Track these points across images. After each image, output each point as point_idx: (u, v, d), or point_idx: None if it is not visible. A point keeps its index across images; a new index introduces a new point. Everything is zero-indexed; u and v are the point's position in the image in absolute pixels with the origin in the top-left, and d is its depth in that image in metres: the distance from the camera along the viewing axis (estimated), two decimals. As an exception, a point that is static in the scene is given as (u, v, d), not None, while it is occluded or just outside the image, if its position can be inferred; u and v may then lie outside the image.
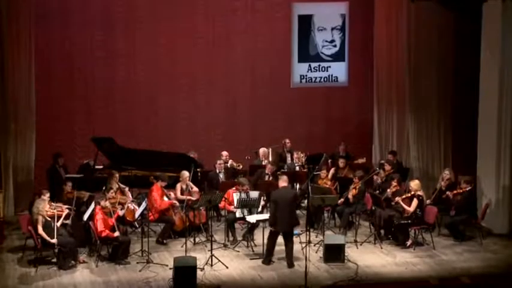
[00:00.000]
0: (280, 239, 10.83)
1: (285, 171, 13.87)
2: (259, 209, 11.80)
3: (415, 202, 11.57)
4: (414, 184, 11.73)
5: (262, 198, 11.87)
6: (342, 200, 12.40)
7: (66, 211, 10.88)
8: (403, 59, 14.85)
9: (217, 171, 13.38)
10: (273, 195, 10.81)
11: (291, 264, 10.71)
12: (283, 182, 10.93)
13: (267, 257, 10.80)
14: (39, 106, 14.00)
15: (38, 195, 11.14)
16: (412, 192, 11.64)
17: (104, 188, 11.81)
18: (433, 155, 14.81)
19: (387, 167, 13.23)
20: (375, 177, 12.92)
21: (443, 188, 12.37)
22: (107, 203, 10.91)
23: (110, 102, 15.15)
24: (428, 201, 12.18)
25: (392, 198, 11.89)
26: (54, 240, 10.40)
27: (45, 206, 10.55)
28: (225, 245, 11.62)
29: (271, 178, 13.08)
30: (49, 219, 10.56)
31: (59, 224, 10.60)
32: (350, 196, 12.30)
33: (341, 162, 13.88)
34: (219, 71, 15.65)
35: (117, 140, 13.24)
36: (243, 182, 11.95)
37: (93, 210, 11.11)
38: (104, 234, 10.66)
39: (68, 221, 11.02)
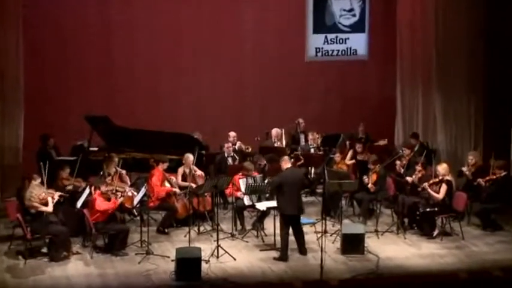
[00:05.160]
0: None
1: (299, 153, 13.84)
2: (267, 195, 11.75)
3: (443, 188, 11.49)
4: (442, 168, 11.65)
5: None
6: (366, 179, 12.20)
7: (57, 198, 10.82)
8: (430, 30, 14.72)
9: (226, 154, 13.31)
10: (279, 177, 10.75)
11: (304, 251, 10.71)
12: (286, 163, 10.89)
13: (285, 251, 10.64)
14: (28, 82, 13.95)
15: (28, 180, 11.07)
16: (440, 177, 11.56)
17: (101, 173, 11.76)
18: (462, 137, 14.75)
19: (406, 152, 13.17)
20: (396, 167, 12.82)
21: (470, 176, 12.27)
22: (109, 189, 10.90)
23: (107, 77, 15.17)
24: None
25: (418, 184, 11.81)
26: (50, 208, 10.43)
27: (39, 193, 10.50)
28: (232, 235, 11.60)
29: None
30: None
31: (50, 209, 10.55)
32: (370, 185, 12.20)
33: (358, 147, 13.84)
34: (225, 43, 15.61)
35: (115, 119, 13.25)
36: (248, 167, 11.91)
37: (89, 195, 11.10)
38: (110, 212, 10.67)
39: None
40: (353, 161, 13.50)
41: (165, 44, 15.34)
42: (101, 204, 10.71)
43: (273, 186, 10.89)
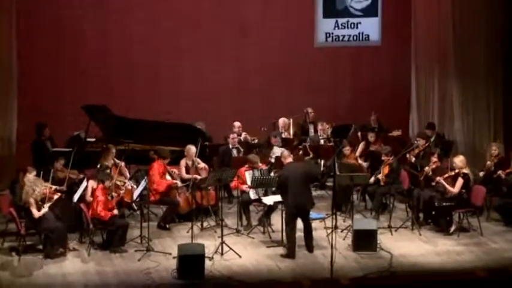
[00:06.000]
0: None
1: (308, 145, 13.80)
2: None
3: (459, 181, 11.46)
4: (459, 160, 11.62)
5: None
6: (374, 178, 12.27)
7: (58, 195, 10.82)
8: (447, 12, 14.71)
9: (230, 145, 13.27)
10: (284, 171, 10.74)
11: (311, 248, 10.70)
12: (287, 158, 10.95)
13: (292, 248, 10.62)
14: (22, 70, 14.03)
15: (22, 172, 11.09)
16: (457, 170, 11.53)
17: (99, 165, 11.73)
18: (480, 127, 14.79)
19: (421, 142, 13.14)
20: (407, 155, 12.78)
21: (491, 167, 12.25)
22: (112, 184, 10.86)
23: (104, 65, 15.17)
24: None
25: (432, 176, 11.75)
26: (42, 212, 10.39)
27: (43, 189, 10.46)
28: (237, 231, 11.59)
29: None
30: (40, 202, 10.54)
31: (47, 206, 10.54)
32: (381, 176, 12.16)
33: (371, 137, 13.85)
34: (229, 28, 15.61)
35: (113, 108, 13.21)
36: (253, 160, 11.89)
37: (86, 189, 11.11)
38: (103, 214, 10.63)
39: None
40: (363, 162, 13.42)
41: (165, 30, 15.32)
42: (99, 206, 10.67)
43: (280, 180, 10.80)
